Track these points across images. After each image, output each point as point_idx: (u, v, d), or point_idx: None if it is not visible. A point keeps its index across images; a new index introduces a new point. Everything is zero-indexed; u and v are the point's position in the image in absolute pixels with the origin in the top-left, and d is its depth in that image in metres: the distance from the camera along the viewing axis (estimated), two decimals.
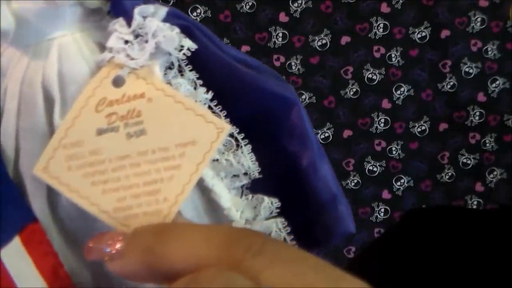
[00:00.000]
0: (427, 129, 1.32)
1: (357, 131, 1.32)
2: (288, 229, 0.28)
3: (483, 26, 1.27)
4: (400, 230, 0.51)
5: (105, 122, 0.23)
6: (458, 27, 1.27)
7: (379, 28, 1.28)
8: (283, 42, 1.27)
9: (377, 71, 1.30)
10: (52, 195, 0.25)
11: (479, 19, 1.27)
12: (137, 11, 0.24)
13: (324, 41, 1.28)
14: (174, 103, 0.23)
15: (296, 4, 1.26)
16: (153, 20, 0.24)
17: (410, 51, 1.29)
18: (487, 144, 1.32)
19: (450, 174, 1.34)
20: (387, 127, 1.32)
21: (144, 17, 0.25)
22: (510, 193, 1.32)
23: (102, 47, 0.26)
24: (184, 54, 0.25)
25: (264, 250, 0.18)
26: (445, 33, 1.28)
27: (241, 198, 0.28)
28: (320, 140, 1.29)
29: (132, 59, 0.23)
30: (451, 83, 1.30)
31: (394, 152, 1.33)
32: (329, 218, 0.30)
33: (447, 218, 0.50)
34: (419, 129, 1.32)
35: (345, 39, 1.28)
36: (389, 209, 1.35)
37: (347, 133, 1.32)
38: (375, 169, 1.33)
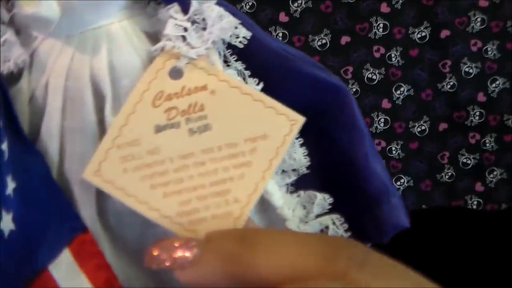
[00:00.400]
0: (427, 129, 1.31)
1: None
2: (346, 225, 0.26)
3: (483, 26, 1.26)
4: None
5: (164, 117, 0.20)
6: (458, 27, 1.27)
7: (379, 28, 1.27)
8: (283, 42, 1.25)
9: (377, 71, 1.29)
10: (100, 201, 0.22)
11: (479, 19, 1.26)
12: None
13: (324, 41, 1.26)
14: (241, 94, 0.21)
15: (296, 4, 1.24)
16: (211, 6, 0.22)
17: (410, 51, 1.28)
18: (487, 144, 1.32)
19: (450, 174, 1.33)
20: (387, 127, 1.31)
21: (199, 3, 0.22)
22: (510, 193, 1.31)
23: (149, 36, 0.23)
24: (240, 42, 0.23)
25: (367, 262, 0.16)
26: (445, 33, 1.27)
27: (293, 196, 0.26)
28: None
29: (193, 47, 0.21)
30: (451, 83, 1.29)
31: (394, 152, 1.32)
32: (381, 210, 0.28)
33: (449, 219, 0.49)
34: (419, 129, 1.31)
35: (345, 39, 1.27)
36: None
37: None
38: None
